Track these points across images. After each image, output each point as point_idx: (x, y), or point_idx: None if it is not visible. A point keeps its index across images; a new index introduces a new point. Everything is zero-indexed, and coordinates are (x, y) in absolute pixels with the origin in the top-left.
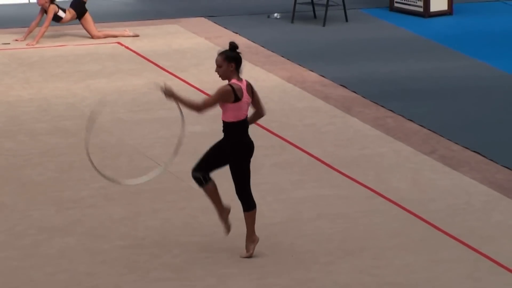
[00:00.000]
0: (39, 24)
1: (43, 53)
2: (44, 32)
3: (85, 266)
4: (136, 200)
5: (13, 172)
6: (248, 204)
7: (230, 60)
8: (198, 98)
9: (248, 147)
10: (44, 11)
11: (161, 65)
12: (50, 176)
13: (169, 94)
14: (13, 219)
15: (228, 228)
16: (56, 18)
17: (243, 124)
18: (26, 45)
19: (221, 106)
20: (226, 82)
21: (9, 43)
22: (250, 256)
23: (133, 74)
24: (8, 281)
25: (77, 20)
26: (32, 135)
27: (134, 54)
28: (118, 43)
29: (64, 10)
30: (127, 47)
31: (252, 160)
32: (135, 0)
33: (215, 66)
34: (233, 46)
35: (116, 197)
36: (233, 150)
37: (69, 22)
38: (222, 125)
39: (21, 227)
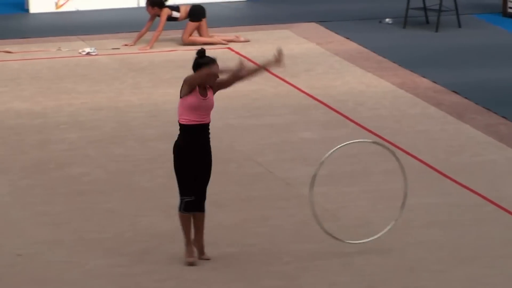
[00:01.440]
0: (150, 29)
1: (153, 58)
2: (158, 36)
3: (194, 273)
4: (246, 206)
5: (122, 178)
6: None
7: None
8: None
9: None
10: (156, 15)
11: (271, 70)
12: (159, 183)
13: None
14: (122, 225)
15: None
16: (172, 20)
17: None
18: (138, 49)
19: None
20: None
21: (118, 48)
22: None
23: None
24: (117, 287)
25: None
26: (141, 141)
27: (244, 59)
28: (229, 48)
29: (177, 9)
30: (237, 52)
31: (363, 166)
32: (246, 5)
33: (326, 71)
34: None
35: (226, 204)
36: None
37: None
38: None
39: (129, 234)
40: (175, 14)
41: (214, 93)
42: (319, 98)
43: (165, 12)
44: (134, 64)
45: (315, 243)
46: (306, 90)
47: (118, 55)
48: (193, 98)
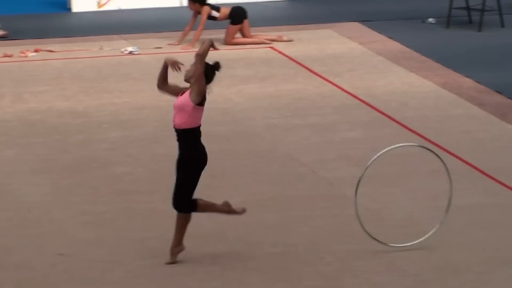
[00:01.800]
0: (193, 28)
1: None
2: (200, 35)
3: (237, 273)
4: (289, 206)
5: (165, 178)
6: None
7: None
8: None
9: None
10: (198, 13)
11: (314, 70)
12: (202, 182)
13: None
14: (165, 225)
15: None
16: (210, 18)
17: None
18: (181, 49)
19: (185, 109)
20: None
21: (161, 47)
22: (172, 262)
23: (286, 79)
24: (160, 286)
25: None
26: None
27: (287, 59)
28: (271, 47)
29: (217, 9)
30: (280, 52)
31: (407, 167)
32: (288, 5)
33: (369, 71)
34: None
35: (269, 203)
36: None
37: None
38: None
39: (172, 234)
40: (214, 13)
41: (194, 92)
42: (362, 98)
43: (205, 10)
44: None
45: (358, 244)
46: (349, 90)
47: (160, 54)
48: None
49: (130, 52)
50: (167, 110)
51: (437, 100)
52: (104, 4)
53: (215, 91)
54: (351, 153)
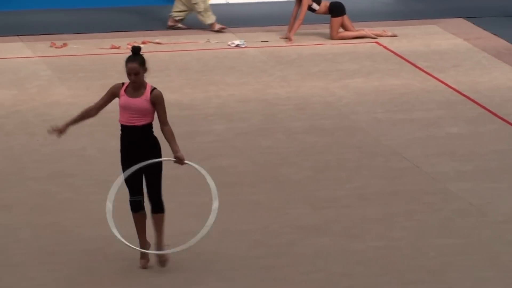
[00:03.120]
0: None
1: (301, 51)
2: (299, 26)
3: (340, 266)
4: (392, 201)
5: (270, 170)
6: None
7: (145, 64)
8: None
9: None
10: (299, 1)
11: (419, 65)
12: (306, 175)
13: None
14: (269, 217)
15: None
16: (310, 10)
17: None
18: (286, 43)
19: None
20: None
21: (267, 41)
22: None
23: (390, 74)
24: (263, 278)
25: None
26: (289, 134)
27: (392, 54)
28: (376, 42)
29: (318, 2)
30: (385, 47)
31: (511, 161)
32: (395, 0)
33: (474, 67)
34: (137, 49)
35: (372, 197)
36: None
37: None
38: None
39: (276, 226)
40: (314, 6)
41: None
42: (466, 93)
43: (306, 1)
44: (282, 57)
45: (461, 238)
46: (453, 86)
47: (266, 47)
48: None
49: (237, 45)
50: (273, 103)
51: None
52: None
53: (321, 85)
54: (454, 148)
